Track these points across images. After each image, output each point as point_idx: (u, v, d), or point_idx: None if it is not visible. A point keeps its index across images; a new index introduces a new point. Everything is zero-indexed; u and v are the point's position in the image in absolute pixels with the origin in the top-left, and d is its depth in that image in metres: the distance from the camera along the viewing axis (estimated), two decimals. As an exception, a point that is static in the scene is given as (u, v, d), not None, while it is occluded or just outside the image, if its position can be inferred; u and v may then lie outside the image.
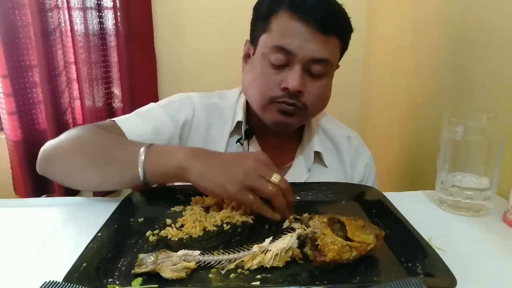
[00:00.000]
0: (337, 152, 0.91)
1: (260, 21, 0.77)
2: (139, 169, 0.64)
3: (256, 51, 0.78)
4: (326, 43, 0.73)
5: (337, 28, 0.74)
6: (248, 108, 0.86)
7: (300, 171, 0.86)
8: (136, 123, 0.81)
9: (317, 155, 0.87)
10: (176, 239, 0.57)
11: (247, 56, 0.83)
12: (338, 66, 0.84)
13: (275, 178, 0.60)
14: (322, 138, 0.90)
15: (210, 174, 0.61)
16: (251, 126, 0.86)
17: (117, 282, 0.46)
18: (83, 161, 0.68)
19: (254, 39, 0.79)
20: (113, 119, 0.81)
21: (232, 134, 0.85)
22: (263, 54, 0.76)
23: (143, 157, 0.64)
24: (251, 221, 0.62)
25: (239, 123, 0.85)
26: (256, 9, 0.79)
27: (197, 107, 0.86)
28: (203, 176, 0.62)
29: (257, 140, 0.86)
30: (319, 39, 0.72)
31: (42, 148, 0.73)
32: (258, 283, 0.46)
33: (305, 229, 0.54)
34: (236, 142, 0.85)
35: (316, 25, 0.71)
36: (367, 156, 0.93)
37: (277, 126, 0.78)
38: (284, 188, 0.60)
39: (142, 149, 0.65)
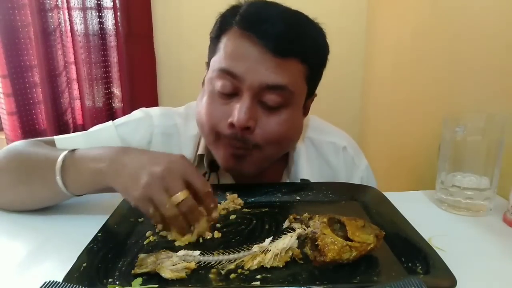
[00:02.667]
0: (329, 166, 0.81)
1: (212, 42, 0.68)
2: (59, 182, 0.58)
3: (206, 76, 0.68)
4: (282, 67, 0.61)
5: (297, 50, 0.62)
6: None
7: None
8: (76, 144, 0.71)
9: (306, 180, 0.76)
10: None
11: (203, 82, 0.72)
12: (315, 95, 0.74)
13: (177, 197, 0.51)
14: (311, 156, 0.79)
15: (121, 175, 0.55)
16: None
17: (117, 282, 0.46)
18: (7, 179, 0.63)
19: (208, 63, 0.70)
20: (54, 137, 0.74)
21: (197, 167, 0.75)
22: (210, 79, 0.65)
23: (59, 165, 0.58)
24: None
25: (201, 157, 0.75)
26: (211, 30, 0.69)
27: (156, 131, 0.76)
28: (116, 177, 0.55)
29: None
30: (272, 62, 0.60)
31: None
32: (258, 283, 0.46)
33: (305, 229, 0.54)
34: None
35: (268, 45, 0.60)
36: (362, 168, 0.83)
37: (232, 172, 0.68)
38: (184, 211, 0.52)
39: (60, 156, 0.59)
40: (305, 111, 0.73)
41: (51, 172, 0.58)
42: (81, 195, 0.63)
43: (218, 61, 0.64)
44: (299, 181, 0.76)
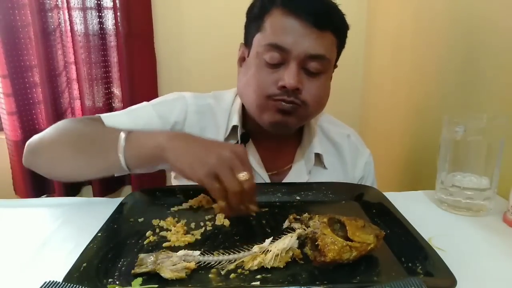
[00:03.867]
0: (337, 152, 0.89)
1: (254, 21, 0.76)
2: (119, 154, 0.64)
3: (251, 52, 0.77)
4: (322, 38, 0.72)
5: (332, 23, 0.73)
6: (244, 112, 0.83)
7: (300, 173, 0.85)
8: (122, 121, 0.80)
9: (317, 157, 0.86)
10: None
11: (241, 60, 0.81)
12: (336, 66, 0.82)
13: (243, 176, 0.58)
14: (322, 139, 0.89)
15: (186, 154, 0.60)
16: (247, 130, 0.83)
17: (117, 282, 0.46)
18: (67, 150, 0.70)
19: (248, 41, 0.78)
20: (100, 114, 0.80)
21: (228, 139, 0.83)
22: (257, 53, 0.74)
23: (123, 141, 0.64)
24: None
25: (234, 127, 0.83)
26: (249, 11, 0.78)
27: (190, 109, 0.84)
28: (179, 156, 0.61)
29: (254, 144, 0.84)
30: (314, 35, 0.71)
31: (28, 141, 0.74)
32: (258, 283, 0.46)
33: (305, 229, 0.54)
34: None
35: (310, 20, 0.70)
36: (367, 154, 0.92)
37: (275, 127, 0.76)
38: (246, 189, 0.58)
39: (122, 134, 0.65)
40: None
41: (112, 148, 0.64)
42: (134, 172, 0.68)
43: (265, 37, 0.73)
44: (313, 155, 0.85)
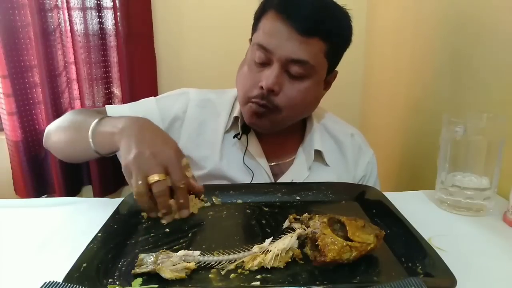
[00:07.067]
0: (340, 150, 0.90)
1: (255, 21, 0.79)
2: (89, 139, 0.69)
3: (248, 49, 0.80)
4: (306, 44, 0.72)
5: (321, 30, 0.72)
6: None
7: (301, 168, 0.86)
8: (123, 111, 0.85)
9: (318, 154, 0.86)
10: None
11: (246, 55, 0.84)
12: (336, 72, 0.83)
13: (152, 177, 0.58)
14: (324, 137, 0.89)
15: (124, 140, 0.63)
16: None
17: (117, 282, 0.46)
18: (61, 137, 0.79)
19: (251, 39, 0.81)
20: (107, 106, 0.87)
21: (230, 129, 0.86)
22: (250, 52, 0.78)
23: (93, 126, 0.69)
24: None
25: (236, 119, 0.85)
26: (256, 11, 0.80)
27: (191, 103, 0.87)
28: (121, 140, 0.63)
29: (256, 135, 0.86)
30: (298, 40, 0.71)
31: (47, 127, 0.84)
32: (258, 283, 0.46)
33: (305, 229, 0.54)
34: (234, 137, 0.85)
35: (296, 25, 0.71)
36: (369, 154, 0.93)
37: (252, 126, 0.81)
38: (155, 192, 0.58)
39: (96, 120, 0.70)
40: (326, 86, 0.84)
41: (86, 135, 0.70)
42: (107, 155, 0.72)
43: (257, 37, 0.76)
44: (313, 152, 0.86)
